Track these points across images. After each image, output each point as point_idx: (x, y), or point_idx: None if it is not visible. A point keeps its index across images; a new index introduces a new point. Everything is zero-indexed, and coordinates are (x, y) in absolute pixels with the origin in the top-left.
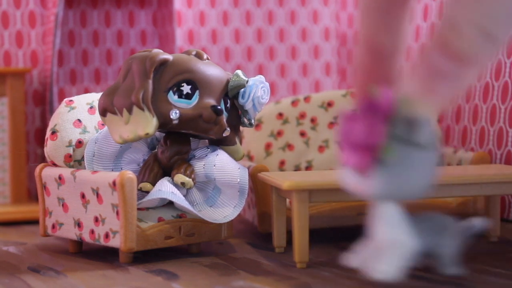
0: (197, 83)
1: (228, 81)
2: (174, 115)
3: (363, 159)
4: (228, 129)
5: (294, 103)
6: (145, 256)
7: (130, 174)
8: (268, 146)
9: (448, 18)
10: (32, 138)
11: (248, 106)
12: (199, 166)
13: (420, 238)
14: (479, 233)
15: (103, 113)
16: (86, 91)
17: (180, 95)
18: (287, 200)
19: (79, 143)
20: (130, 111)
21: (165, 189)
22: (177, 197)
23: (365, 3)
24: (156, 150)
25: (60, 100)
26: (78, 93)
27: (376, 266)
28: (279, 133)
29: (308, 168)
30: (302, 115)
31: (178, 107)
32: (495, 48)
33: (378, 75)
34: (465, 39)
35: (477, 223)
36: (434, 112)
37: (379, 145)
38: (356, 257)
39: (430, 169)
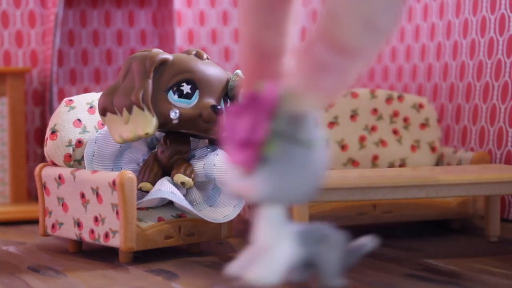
0: (197, 82)
1: (228, 81)
2: (174, 114)
3: (247, 157)
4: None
5: None
6: (145, 256)
7: (130, 174)
8: None
9: (330, 9)
10: (32, 137)
11: None
12: (199, 165)
13: (301, 246)
14: (369, 252)
15: (103, 112)
16: (86, 90)
17: (180, 94)
18: None
19: (79, 142)
20: (130, 110)
21: (165, 188)
22: (177, 196)
23: (246, 2)
24: (156, 149)
25: (60, 99)
26: (78, 93)
27: (253, 270)
28: None
29: None
30: None
31: (178, 106)
32: (379, 40)
33: (263, 74)
34: (347, 31)
35: (368, 242)
36: (319, 107)
37: (262, 142)
38: (237, 263)
39: (315, 169)
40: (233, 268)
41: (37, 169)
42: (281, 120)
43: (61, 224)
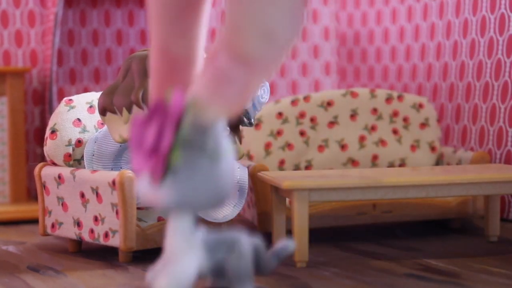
0: None
1: None
2: None
3: (153, 165)
4: (228, 128)
5: (293, 102)
6: (144, 256)
7: (129, 173)
8: (267, 146)
9: (231, 20)
10: (32, 137)
11: (248, 105)
12: None
13: (209, 254)
14: (288, 255)
15: (102, 112)
16: (86, 90)
17: None
18: (287, 199)
19: (79, 142)
20: (129, 110)
21: None
22: None
23: (155, 9)
24: None
25: (60, 99)
26: (77, 93)
27: (160, 279)
28: (279, 133)
29: (307, 167)
30: (302, 115)
31: None
32: (279, 51)
33: (172, 81)
34: (248, 42)
35: (287, 245)
36: (222, 117)
37: (167, 150)
38: (152, 271)
39: (221, 178)
40: (148, 275)
41: (36, 168)
42: (187, 129)
43: (60, 223)
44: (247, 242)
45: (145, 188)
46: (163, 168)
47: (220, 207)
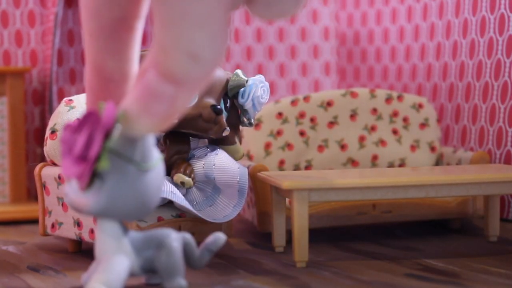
0: None
1: (227, 81)
2: None
3: (80, 171)
4: (228, 128)
5: (293, 102)
6: None
7: None
8: (267, 146)
9: (158, 40)
10: (32, 137)
11: (248, 105)
12: (198, 165)
13: (137, 254)
14: (218, 248)
15: None
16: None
17: None
18: (287, 199)
19: None
20: None
21: (165, 188)
22: (177, 196)
23: (89, 27)
24: None
25: (60, 99)
26: (77, 93)
27: (91, 282)
28: (279, 133)
29: (307, 167)
30: (302, 115)
31: None
32: (205, 70)
33: (106, 97)
34: (174, 62)
35: (217, 238)
36: (150, 131)
37: (95, 158)
38: (86, 274)
39: (147, 190)
40: (82, 278)
41: (37, 168)
42: (115, 139)
43: (60, 223)
44: (176, 238)
45: (71, 193)
46: (90, 175)
47: (143, 217)
